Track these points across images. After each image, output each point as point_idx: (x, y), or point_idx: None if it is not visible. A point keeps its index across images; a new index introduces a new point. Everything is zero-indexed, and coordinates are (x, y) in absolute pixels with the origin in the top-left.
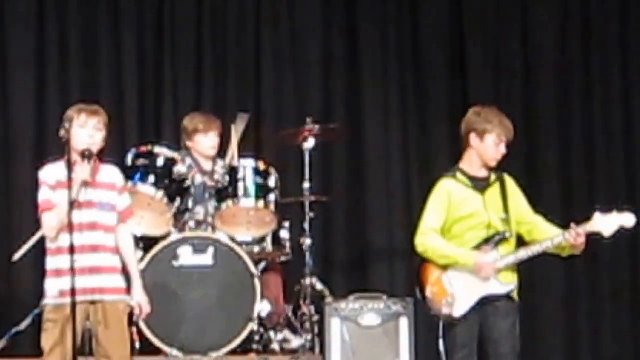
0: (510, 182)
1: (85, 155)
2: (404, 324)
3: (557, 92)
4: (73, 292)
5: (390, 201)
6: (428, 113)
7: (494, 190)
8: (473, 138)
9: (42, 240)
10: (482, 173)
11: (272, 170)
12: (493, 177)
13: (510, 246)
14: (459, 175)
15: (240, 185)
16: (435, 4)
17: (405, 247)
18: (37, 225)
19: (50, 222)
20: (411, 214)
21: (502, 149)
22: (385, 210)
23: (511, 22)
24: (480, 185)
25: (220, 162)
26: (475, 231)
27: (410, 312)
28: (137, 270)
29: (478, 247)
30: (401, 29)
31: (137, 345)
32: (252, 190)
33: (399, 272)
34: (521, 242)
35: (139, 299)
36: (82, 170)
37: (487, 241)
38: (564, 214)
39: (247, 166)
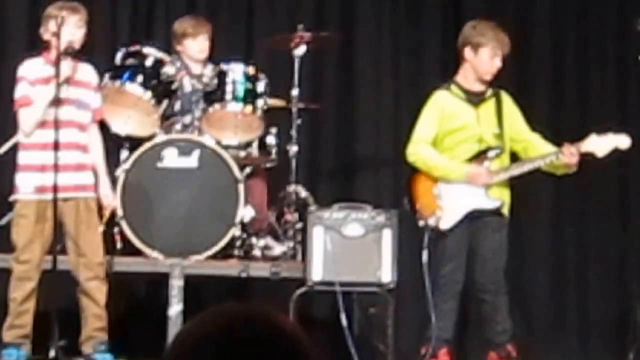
0: (506, 99)
1: (68, 52)
2: (387, 235)
3: (552, 6)
4: (55, 187)
5: (379, 112)
6: (421, 24)
7: (489, 105)
8: (467, 51)
9: None
10: (478, 87)
11: (262, 76)
12: (489, 92)
13: (502, 162)
14: (453, 87)
15: (229, 89)
16: None
17: (392, 159)
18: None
19: (29, 117)
20: (400, 125)
21: (497, 63)
22: (374, 120)
23: None
24: (474, 99)
25: (209, 66)
26: (467, 144)
27: (394, 224)
28: (105, 168)
29: (469, 161)
30: None
31: (119, 245)
32: (240, 94)
33: (386, 183)
34: (515, 160)
35: (107, 193)
36: (65, 66)
37: (478, 155)
38: (554, 133)
39: (236, 70)
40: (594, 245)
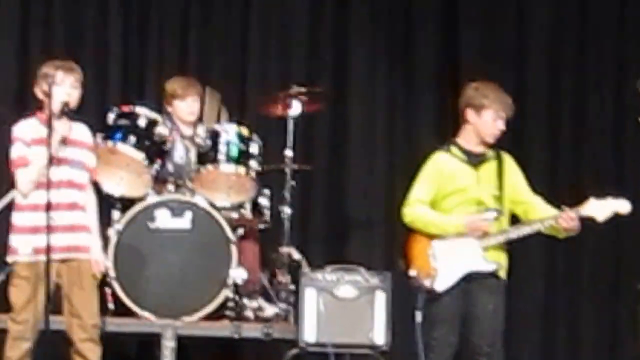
0: (508, 160)
1: (64, 111)
2: (381, 297)
3: (549, 66)
4: (48, 249)
5: (372, 173)
6: (415, 84)
7: (489, 167)
8: (470, 113)
9: None
10: (479, 149)
11: (255, 137)
12: (490, 153)
13: (500, 224)
14: (453, 149)
15: (222, 149)
16: None
17: (385, 220)
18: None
19: (26, 178)
20: (393, 186)
21: (500, 125)
22: (367, 181)
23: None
24: (474, 160)
25: (202, 126)
26: (465, 206)
27: (388, 286)
28: (98, 229)
29: None
30: None
31: (111, 306)
32: (233, 155)
33: (378, 244)
34: (515, 222)
35: (98, 257)
36: (61, 126)
37: None
38: (550, 194)
39: (229, 131)
40: (586, 309)
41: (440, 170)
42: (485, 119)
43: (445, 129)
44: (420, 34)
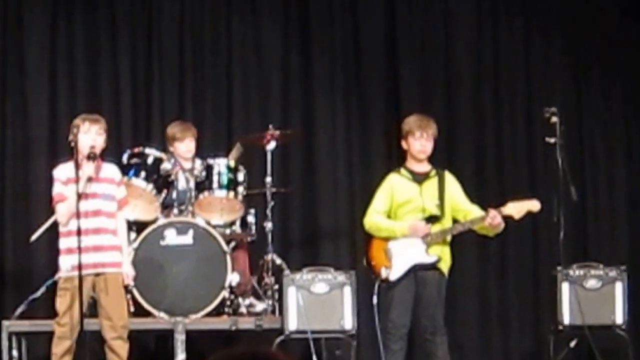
0: (449, 177)
1: (90, 156)
2: (348, 291)
3: (473, 101)
4: (79, 266)
5: (336, 192)
6: (368, 120)
7: (432, 182)
8: (403, 143)
9: (54, 224)
10: (422, 168)
11: (241, 167)
12: (433, 172)
13: (442, 226)
14: (402, 170)
15: (215, 179)
16: (374, 35)
17: (348, 229)
18: (49, 212)
19: (62, 211)
20: (353, 201)
21: (423, 142)
22: (332, 199)
23: (437, 48)
24: (418, 177)
25: (198, 161)
26: (413, 214)
27: (353, 282)
28: (127, 248)
29: None
30: (346, 52)
31: (132, 309)
32: (224, 183)
33: (343, 248)
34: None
35: (127, 270)
36: (88, 168)
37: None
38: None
39: (220, 164)
40: (513, 291)
41: (392, 187)
42: (410, 142)
43: (392, 156)
44: (369, 83)
